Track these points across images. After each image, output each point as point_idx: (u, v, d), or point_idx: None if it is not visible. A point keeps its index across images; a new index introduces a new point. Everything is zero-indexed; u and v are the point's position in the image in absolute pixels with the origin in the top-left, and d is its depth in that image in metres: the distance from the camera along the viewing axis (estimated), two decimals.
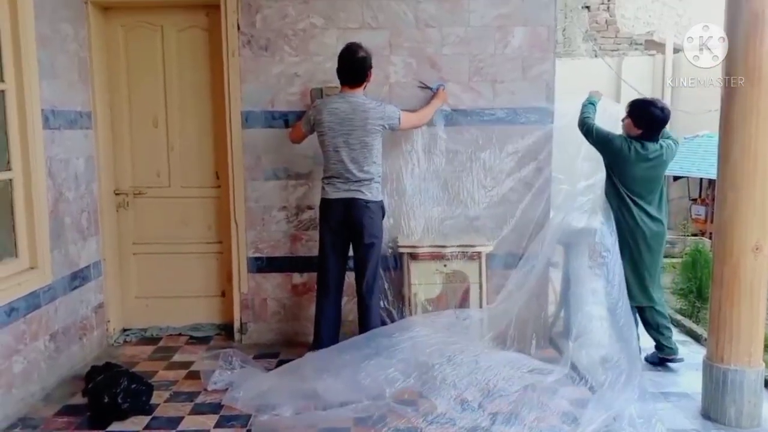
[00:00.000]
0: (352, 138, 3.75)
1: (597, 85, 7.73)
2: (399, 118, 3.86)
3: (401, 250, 4.14)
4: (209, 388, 3.59)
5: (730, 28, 3.12)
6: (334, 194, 3.82)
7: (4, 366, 3.22)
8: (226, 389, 3.55)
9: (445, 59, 4.28)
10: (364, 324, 3.85)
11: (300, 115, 4.20)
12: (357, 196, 3.77)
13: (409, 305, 4.08)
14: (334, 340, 3.86)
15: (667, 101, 8.01)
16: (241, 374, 3.65)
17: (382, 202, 3.90)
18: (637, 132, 3.93)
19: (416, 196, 4.32)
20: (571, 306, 4.34)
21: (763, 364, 3.20)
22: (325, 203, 3.87)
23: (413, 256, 4.10)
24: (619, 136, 3.99)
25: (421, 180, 4.32)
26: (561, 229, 4.33)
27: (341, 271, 3.95)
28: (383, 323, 3.96)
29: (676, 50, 8.51)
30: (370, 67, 3.81)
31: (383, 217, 3.93)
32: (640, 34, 8.78)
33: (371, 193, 3.80)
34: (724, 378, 3.14)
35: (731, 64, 3.12)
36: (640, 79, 8.03)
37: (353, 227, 3.80)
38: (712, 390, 3.19)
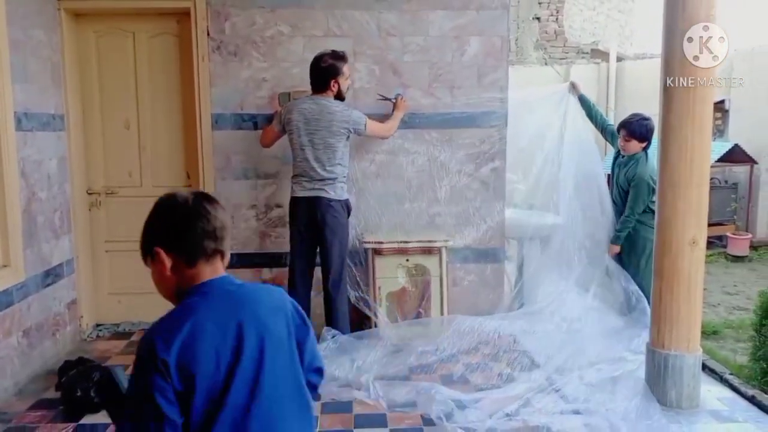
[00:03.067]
0: (317, 138, 3.70)
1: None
2: (365, 125, 3.81)
3: (366, 245, 4.11)
4: None
5: (668, 39, 3.17)
6: (300, 192, 3.78)
7: None
8: None
9: (406, 66, 4.26)
10: (331, 317, 3.81)
11: (268, 117, 4.15)
12: (321, 195, 3.72)
13: (374, 297, 4.06)
14: None
15: (611, 106, 8.16)
16: None
17: (347, 200, 3.84)
18: (641, 147, 4.08)
19: (380, 195, 4.30)
20: (524, 296, 4.39)
21: (701, 350, 3.27)
22: (293, 201, 3.82)
23: (377, 252, 4.07)
24: (647, 180, 3.97)
25: (384, 179, 4.30)
26: (515, 225, 4.39)
27: (308, 268, 3.90)
28: (355, 313, 3.95)
29: (620, 59, 8.65)
30: (335, 75, 3.72)
31: (348, 215, 3.87)
32: (586, 44, 8.91)
33: (334, 192, 3.74)
34: (665, 363, 3.19)
35: (669, 72, 3.16)
36: (586, 86, 8.14)
37: (318, 225, 3.75)
38: (655, 374, 3.24)
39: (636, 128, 4.10)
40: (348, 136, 3.79)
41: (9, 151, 3.42)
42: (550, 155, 4.44)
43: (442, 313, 4.07)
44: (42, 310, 3.75)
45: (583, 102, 4.51)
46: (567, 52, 8.76)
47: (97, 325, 4.43)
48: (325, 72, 3.72)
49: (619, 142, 4.21)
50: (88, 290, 4.37)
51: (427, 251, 4.09)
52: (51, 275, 3.87)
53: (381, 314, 3.99)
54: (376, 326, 3.96)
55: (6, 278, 3.39)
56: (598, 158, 4.49)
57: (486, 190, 4.34)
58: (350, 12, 4.19)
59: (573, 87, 4.55)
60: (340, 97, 3.80)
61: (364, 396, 3.29)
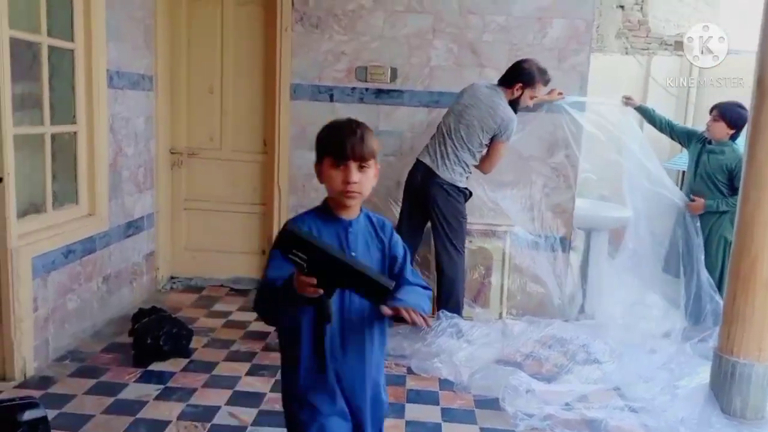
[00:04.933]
0: (466, 115, 3.49)
1: (626, 81, 7.40)
2: (506, 138, 3.52)
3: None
4: None
5: (766, 34, 2.84)
6: (421, 157, 3.57)
7: (59, 303, 3.17)
8: None
9: (484, 46, 4.05)
10: (439, 296, 3.58)
11: (343, 90, 4.07)
12: (435, 171, 3.47)
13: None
14: None
15: (692, 100, 7.63)
16: None
17: (464, 189, 3.55)
18: (729, 133, 3.77)
19: None
20: (588, 288, 4.17)
21: None
22: (414, 164, 3.62)
23: None
24: (737, 158, 3.62)
25: None
26: (584, 215, 4.15)
27: (413, 240, 3.61)
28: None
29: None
30: (524, 81, 3.51)
31: (465, 201, 3.58)
32: (670, 35, 8.33)
33: (449, 174, 3.47)
34: (733, 370, 2.92)
35: (764, 68, 2.84)
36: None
37: (427, 200, 3.51)
38: (720, 380, 2.97)
39: (727, 110, 3.76)
40: (492, 137, 3.50)
41: (100, 107, 3.45)
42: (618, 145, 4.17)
43: (502, 298, 3.90)
44: (122, 259, 3.82)
45: (643, 112, 4.18)
46: (649, 43, 8.21)
47: (172, 278, 4.50)
48: (520, 72, 3.51)
49: (707, 122, 3.89)
50: (166, 244, 4.43)
51: (491, 234, 3.91)
52: (132, 227, 3.92)
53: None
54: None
55: (90, 226, 3.45)
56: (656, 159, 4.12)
57: (557, 177, 4.11)
58: None
59: (627, 100, 4.20)
60: (515, 105, 3.56)
61: (446, 373, 3.15)
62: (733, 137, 3.77)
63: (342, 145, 1.55)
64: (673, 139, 4.21)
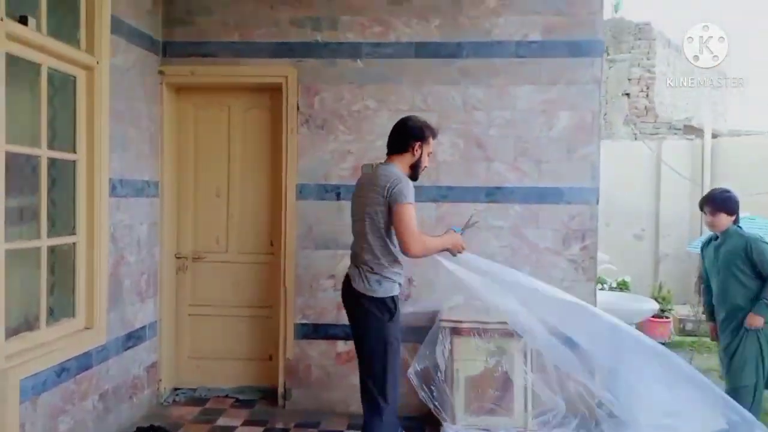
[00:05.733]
0: (357, 207, 2.88)
1: (637, 167, 7.28)
2: (402, 204, 2.69)
3: (443, 324, 3.72)
4: None
5: None
6: (348, 269, 2.98)
7: (49, 426, 2.93)
8: None
9: (491, 140, 3.97)
10: None
11: (350, 188, 3.96)
12: (353, 281, 2.83)
13: (452, 382, 3.63)
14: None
15: (707, 183, 7.48)
16: None
17: (385, 299, 2.77)
18: (730, 220, 3.61)
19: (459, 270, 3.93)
20: (621, 389, 3.82)
21: None
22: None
23: (455, 331, 3.68)
24: (763, 242, 3.49)
25: (465, 253, 3.92)
26: (607, 309, 3.87)
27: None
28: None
29: (714, 135, 7.98)
30: (419, 138, 2.86)
31: (390, 318, 2.78)
32: (678, 120, 8.31)
33: (363, 283, 2.78)
34: None
35: None
36: (679, 163, 7.53)
37: (348, 313, 2.92)
38: None
39: (720, 200, 3.63)
40: (388, 209, 2.73)
41: (101, 216, 3.36)
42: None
43: (525, 402, 3.58)
44: (121, 373, 3.60)
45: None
46: (658, 128, 8.18)
47: (175, 389, 4.24)
48: (411, 132, 2.87)
49: (706, 220, 3.73)
50: (169, 354, 4.22)
51: (510, 333, 3.65)
52: (133, 338, 3.73)
53: (459, 400, 3.54)
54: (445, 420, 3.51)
55: (87, 341, 3.27)
56: None
57: (575, 270, 3.89)
58: (437, 87, 3.99)
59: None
60: (416, 170, 2.92)
61: None
62: (736, 221, 3.62)
63: None
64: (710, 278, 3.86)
